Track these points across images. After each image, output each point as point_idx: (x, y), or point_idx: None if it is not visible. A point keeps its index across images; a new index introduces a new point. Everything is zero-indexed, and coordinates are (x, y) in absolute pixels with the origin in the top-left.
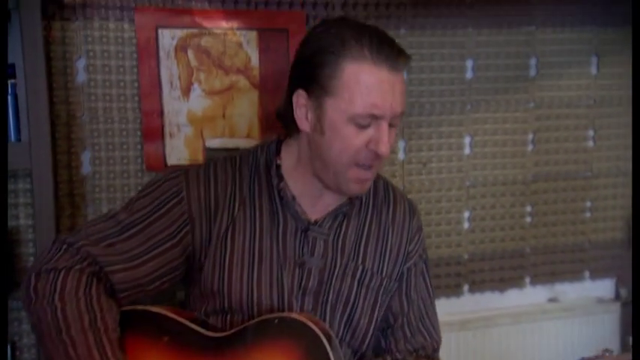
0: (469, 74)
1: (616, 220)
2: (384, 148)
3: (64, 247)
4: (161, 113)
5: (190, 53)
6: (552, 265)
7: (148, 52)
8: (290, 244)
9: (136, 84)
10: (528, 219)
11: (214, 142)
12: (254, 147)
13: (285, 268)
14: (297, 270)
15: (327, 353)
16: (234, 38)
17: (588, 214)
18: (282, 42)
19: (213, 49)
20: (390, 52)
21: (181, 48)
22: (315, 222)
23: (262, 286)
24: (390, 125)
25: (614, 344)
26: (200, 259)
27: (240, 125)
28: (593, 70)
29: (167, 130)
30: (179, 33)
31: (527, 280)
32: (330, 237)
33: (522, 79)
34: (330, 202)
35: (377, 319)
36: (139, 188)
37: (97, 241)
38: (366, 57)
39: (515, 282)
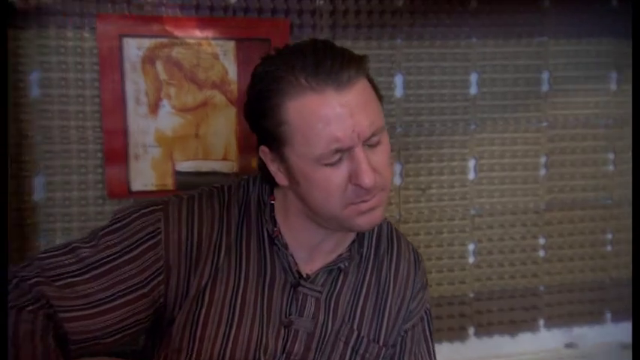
0: (473, 90)
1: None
2: (367, 179)
3: (15, 281)
4: (125, 132)
5: (159, 65)
6: (569, 305)
7: (111, 64)
8: (276, 300)
9: (97, 100)
10: (541, 253)
11: (186, 166)
12: (245, 179)
13: (268, 327)
14: (282, 331)
15: None
16: (209, 49)
17: (609, 248)
18: (263, 53)
19: (185, 60)
20: (332, 68)
21: (149, 60)
22: (308, 276)
23: (238, 347)
24: (370, 146)
25: None
26: (172, 313)
27: (216, 146)
28: (613, 86)
29: (132, 151)
30: (147, 43)
31: (541, 322)
32: (323, 295)
33: (533, 96)
34: (327, 253)
35: None
36: (99, 217)
37: (53, 278)
38: (304, 86)
39: (528, 325)
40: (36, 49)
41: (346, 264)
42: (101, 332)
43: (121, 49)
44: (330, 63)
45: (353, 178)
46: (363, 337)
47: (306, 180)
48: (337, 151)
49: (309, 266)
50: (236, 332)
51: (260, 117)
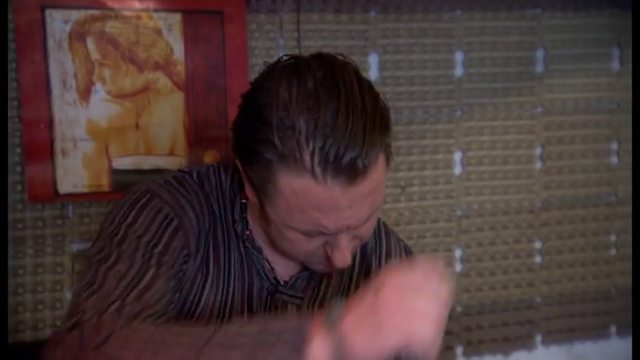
0: (459, 71)
1: None
2: (340, 263)
3: (89, 324)
4: (50, 123)
5: (91, 43)
6: (570, 318)
7: (30, 42)
8: (255, 309)
9: (14, 84)
10: (538, 258)
11: (124, 162)
12: (214, 166)
13: None
14: None
15: None
16: (150, 23)
17: (613, 252)
18: (214, 28)
19: (122, 37)
20: (346, 157)
21: (78, 36)
22: (286, 282)
23: None
24: (365, 222)
25: None
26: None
27: (160, 139)
28: (615, 65)
29: (58, 146)
30: (75, 15)
31: (539, 338)
32: (304, 302)
33: (527, 77)
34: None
35: None
36: (19, 226)
37: (120, 297)
38: (307, 169)
39: (524, 342)
40: None
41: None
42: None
43: (43, 22)
44: (348, 148)
45: (327, 249)
46: None
47: (277, 231)
48: (319, 232)
49: (287, 271)
50: None
51: (246, 160)
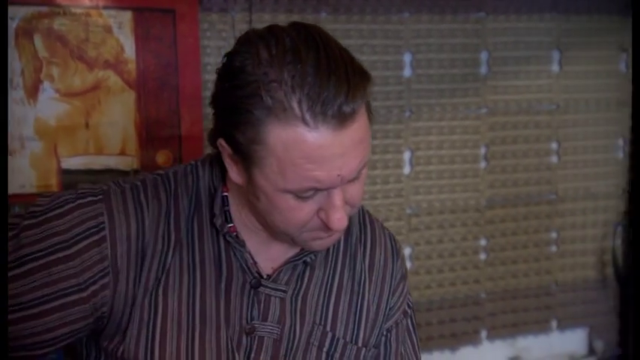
0: (407, 72)
1: (586, 256)
2: (338, 224)
3: None
4: None
5: (38, 40)
6: (513, 314)
7: None
8: (235, 304)
9: None
10: (483, 255)
11: (74, 162)
12: (193, 163)
13: (229, 336)
14: (244, 339)
15: None
16: (100, 21)
17: (554, 248)
18: (166, 26)
19: (71, 35)
20: (335, 99)
21: (25, 33)
22: (269, 276)
23: None
24: (354, 181)
25: None
26: (120, 324)
27: (111, 138)
28: (555, 68)
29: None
30: (22, 12)
31: (484, 334)
32: (288, 295)
33: (472, 79)
34: (287, 247)
35: None
36: None
37: None
38: (297, 116)
39: (470, 337)
40: None
41: (312, 257)
42: (29, 341)
43: None
44: (334, 91)
45: (322, 214)
46: (338, 339)
47: (268, 201)
48: (313, 189)
49: (269, 263)
50: (200, 345)
51: (231, 124)
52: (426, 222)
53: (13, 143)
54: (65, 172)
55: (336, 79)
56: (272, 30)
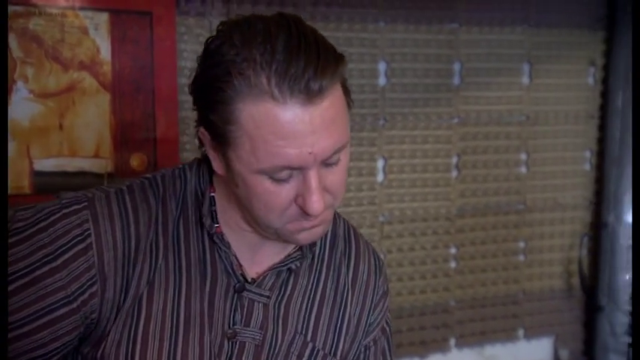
0: (382, 80)
1: (553, 265)
2: (315, 208)
3: None
4: None
5: (13, 40)
6: (481, 322)
7: None
8: (219, 308)
9: None
10: (453, 264)
11: (47, 164)
12: (181, 167)
13: (210, 342)
14: (225, 344)
15: None
16: (76, 21)
17: (522, 258)
18: (143, 29)
19: (46, 35)
20: (304, 74)
21: None
22: (253, 280)
23: None
24: (328, 165)
25: None
26: (103, 330)
27: (85, 140)
28: (525, 80)
29: None
30: None
31: (453, 341)
32: (271, 301)
33: (445, 89)
34: (272, 253)
35: None
36: None
37: None
38: (265, 90)
39: (439, 344)
40: None
41: (297, 264)
42: (24, 358)
43: None
44: (302, 66)
45: (299, 200)
46: (318, 351)
47: (246, 187)
48: (286, 168)
49: (254, 268)
50: (183, 349)
51: (207, 106)
52: (398, 230)
53: None
54: (38, 174)
55: (305, 56)
56: (248, 17)
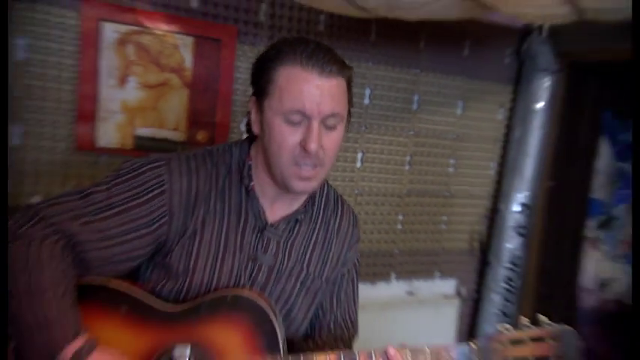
0: (367, 101)
1: (464, 234)
2: (312, 145)
3: (37, 218)
4: (94, 98)
5: (130, 48)
6: (413, 265)
7: (89, 41)
8: (247, 240)
9: (74, 68)
10: (399, 226)
11: (144, 131)
12: (229, 145)
13: (240, 261)
14: (249, 263)
15: (274, 327)
16: (172, 41)
17: (444, 227)
18: (214, 50)
19: (151, 47)
20: (321, 59)
21: (121, 42)
22: (272, 224)
23: (222, 277)
24: (328, 127)
25: (451, 332)
26: (170, 246)
27: (170, 118)
28: (459, 111)
29: (100, 114)
30: (122, 28)
31: (393, 275)
32: (282, 239)
33: (406, 111)
34: (285, 206)
35: (310, 314)
36: (66, 166)
37: (73, 218)
38: (297, 62)
39: (384, 277)
40: (24, 19)
41: (301, 216)
42: (112, 261)
43: (99, 30)
44: (322, 55)
45: (302, 142)
46: (309, 274)
47: (270, 130)
48: (299, 112)
49: (272, 216)
50: (220, 266)
51: (260, 75)
52: (366, 200)
53: (105, 114)
54: (137, 138)
55: (323, 53)
56: (286, 37)
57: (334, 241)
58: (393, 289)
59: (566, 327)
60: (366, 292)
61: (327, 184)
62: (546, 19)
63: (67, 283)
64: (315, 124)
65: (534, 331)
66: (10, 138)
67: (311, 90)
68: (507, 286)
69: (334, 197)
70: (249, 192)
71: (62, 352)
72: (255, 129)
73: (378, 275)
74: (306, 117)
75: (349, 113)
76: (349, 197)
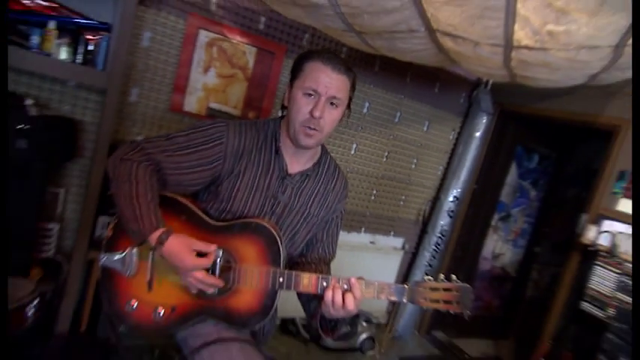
0: (365, 110)
1: (414, 210)
2: (316, 113)
3: (138, 148)
4: (187, 78)
5: (214, 49)
6: (377, 225)
7: (189, 41)
8: (272, 184)
9: (176, 57)
10: (373, 197)
11: (214, 105)
12: (268, 120)
13: (266, 197)
14: (271, 200)
15: (279, 248)
16: (241, 48)
17: (402, 203)
18: (269, 59)
19: (228, 50)
20: (335, 61)
21: (210, 45)
22: (290, 175)
23: (252, 207)
24: (332, 104)
25: (394, 274)
26: (222, 180)
27: (232, 100)
28: (425, 128)
29: (188, 89)
30: (211, 35)
31: (363, 229)
32: (295, 187)
33: (390, 122)
34: (301, 165)
35: (306, 240)
36: (162, 121)
37: (161, 152)
38: (319, 60)
39: (356, 229)
40: (150, 19)
41: (311, 173)
42: (184, 183)
43: (197, 34)
44: (336, 60)
45: (311, 110)
46: (310, 213)
47: (293, 101)
48: (314, 90)
49: (291, 170)
50: (252, 198)
51: (295, 66)
52: (353, 176)
53: (192, 90)
54: (209, 109)
55: (338, 58)
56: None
57: (330, 194)
58: (361, 238)
59: (466, 285)
60: (343, 237)
61: (331, 156)
62: (490, 77)
63: (153, 193)
64: (322, 100)
65: (446, 284)
66: (129, 96)
67: (324, 77)
68: (435, 248)
69: (334, 166)
70: (278, 151)
71: (150, 235)
72: (285, 102)
73: (352, 227)
74: (317, 94)
75: (349, 107)
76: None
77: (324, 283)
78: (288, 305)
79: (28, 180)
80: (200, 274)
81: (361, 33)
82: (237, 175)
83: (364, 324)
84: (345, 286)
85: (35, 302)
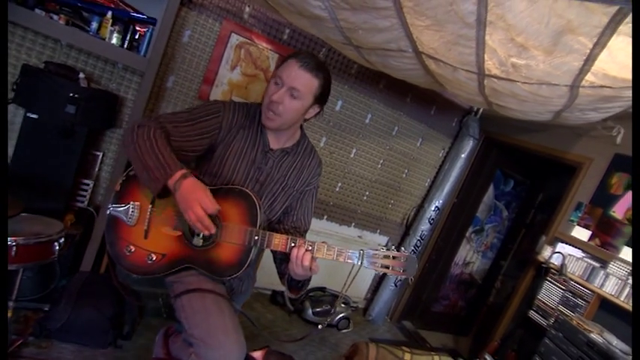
0: (367, 121)
1: (400, 214)
2: (275, 98)
3: (152, 119)
4: (216, 73)
5: (245, 51)
6: (366, 222)
7: (221, 41)
8: (258, 156)
9: (209, 54)
10: (365, 197)
11: (236, 99)
12: (257, 103)
13: (251, 166)
14: (256, 170)
15: (257, 212)
16: (266, 53)
17: (390, 206)
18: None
19: (253, 53)
20: (307, 60)
21: (239, 47)
22: (272, 150)
23: (238, 175)
24: (291, 96)
25: None
26: (216, 147)
27: (252, 96)
28: (418, 144)
29: (216, 82)
30: (241, 39)
31: (353, 224)
32: (276, 160)
33: (388, 134)
34: (281, 143)
35: (283, 208)
36: (188, 104)
37: (170, 122)
38: (295, 57)
39: (347, 222)
40: (192, 20)
41: (289, 150)
42: (184, 150)
43: (229, 37)
44: (308, 59)
45: (272, 95)
46: (288, 184)
47: (268, 87)
48: (280, 78)
49: (274, 145)
50: (239, 167)
51: (277, 67)
52: (350, 177)
53: (218, 82)
54: (231, 101)
55: (313, 62)
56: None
57: (305, 170)
58: (350, 231)
59: (412, 255)
60: (335, 228)
61: (309, 140)
62: (472, 102)
63: (171, 147)
64: (284, 89)
65: (395, 252)
66: (166, 82)
67: (290, 70)
68: (414, 249)
69: (311, 147)
70: (262, 129)
71: (173, 175)
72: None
73: (344, 221)
74: (281, 83)
75: (321, 107)
76: (341, 174)
77: (292, 244)
78: (278, 279)
79: (71, 140)
80: (202, 212)
81: (358, 47)
82: (228, 144)
83: (343, 305)
84: (310, 248)
85: (61, 240)
